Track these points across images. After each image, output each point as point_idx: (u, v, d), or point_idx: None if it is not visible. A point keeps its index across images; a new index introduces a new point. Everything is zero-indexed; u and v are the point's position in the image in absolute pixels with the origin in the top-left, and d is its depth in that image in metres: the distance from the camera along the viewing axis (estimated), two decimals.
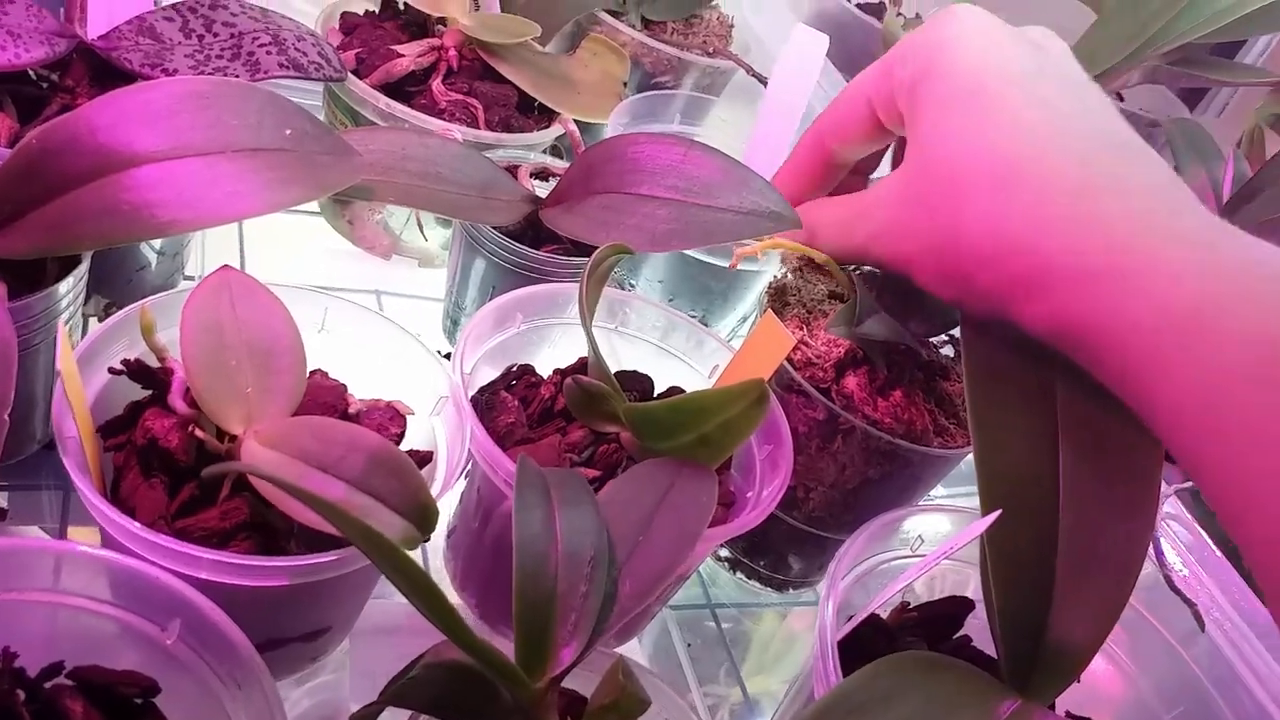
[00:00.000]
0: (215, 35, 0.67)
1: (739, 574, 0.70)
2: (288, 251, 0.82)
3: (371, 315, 0.56)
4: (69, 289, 0.54)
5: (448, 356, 0.58)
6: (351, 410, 0.52)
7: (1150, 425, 0.39)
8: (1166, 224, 0.40)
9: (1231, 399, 0.35)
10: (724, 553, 0.70)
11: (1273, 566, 0.34)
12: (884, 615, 0.55)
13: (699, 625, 0.67)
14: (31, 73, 0.65)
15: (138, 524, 0.42)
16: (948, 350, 0.69)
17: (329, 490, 0.44)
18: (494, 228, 0.66)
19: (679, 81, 0.95)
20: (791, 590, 0.70)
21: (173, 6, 0.67)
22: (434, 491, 0.48)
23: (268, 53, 0.66)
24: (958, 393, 0.63)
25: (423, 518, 0.45)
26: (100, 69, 0.64)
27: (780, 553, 0.67)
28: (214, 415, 0.46)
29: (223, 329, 0.48)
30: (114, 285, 0.66)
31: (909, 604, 0.55)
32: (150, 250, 0.68)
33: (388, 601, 0.60)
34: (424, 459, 0.52)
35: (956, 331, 0.66)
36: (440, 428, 0.53)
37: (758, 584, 0.70)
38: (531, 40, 0.81)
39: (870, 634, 0.52)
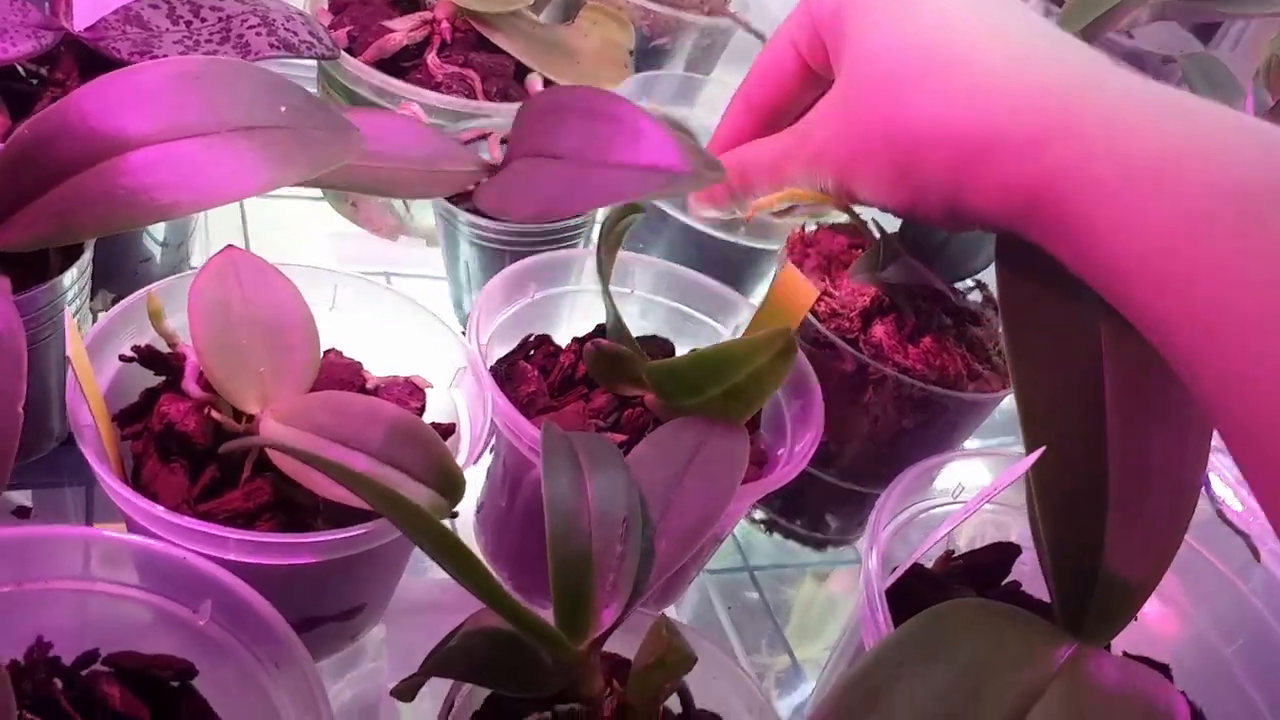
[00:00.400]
0: (203, 20, 0.66)
1: (776, 535, 0.68)
2: (292, 237, 0.81)
3: (382, 291, 0.55)
4: (73, 280, 0.53)
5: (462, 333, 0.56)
6: (369, 386, 0.50)
7: (1107, 289, 0.37)
8: (1117, 84, 0.38)
9: (1201, 247, 0.33)
10: (759, 514, 0.68)
11: (1248, 412, 0.32)
12: (929, 566, 0.53)
13: (738, 590, 0.66)
14: (20, 69, 0.64)
15: (161, 508, 0.40)
16: (975, 297, 0.67)
17: (351, 464, 0.42)
18: (465, 209, 0.64)
19: (677, 43, 0.93)
20: (831, 549, 0.69)
21: None
22: (460, 463, 0.47)
23: (257, 34, 0.65)
24: (989, 338, 0.62)
25: (449, 486, 0.44)
26: (89, 61, 0.63)
27: (817, 511, 0.66)
28: (229, 395, 0.44)
29: (231, 309, 0.46)
30: (119, 279, 0.64)
31: (954, 553, 0.54)
32: (153, 242, 0.67)
33: (421, 578, 0.59)
34: (446, 431, 0.51)
35: (983, 276, 0.65)
36: (460, 399, 0.52)
37: (796, 544, 0.68)
38: (526, 10, 0.79)
39: (916, 584, 0.50)
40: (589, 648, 0.39)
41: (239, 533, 0.40)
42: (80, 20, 0.64)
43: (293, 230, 0.81)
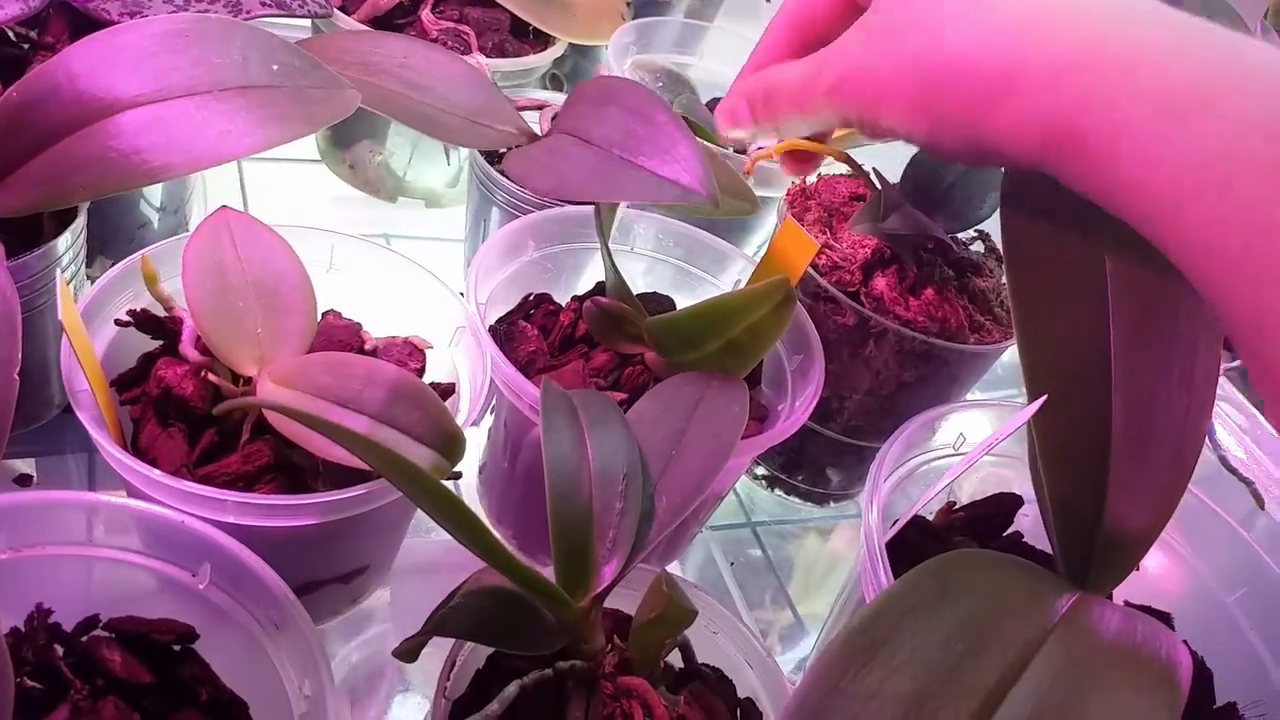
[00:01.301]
0: None
1: (777, 491, 0.68)
2: (291, 200, 0.80)
3: (380, 250, 0.54)
4: (68, 245, 0.53)
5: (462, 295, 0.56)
6: (367, 347, 0.50)
7: (1135, 219, 0.37)
8: (1149, 15, 0.37)
9: (1231, 171, 0.32)
10: (761, 470, 0.68)
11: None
12: (930, 518, 0.53)
13: (741, 546, 0.66)
14: (10, 33, 0.63)
15: (159, 472, 0.40)
16: (978, 247, 0.66)
17: (351, 425, 0.42)
18: (501, 171, 0.64)
19: None
20: (833, 504, 0.69)
21: None
22: (459, 422, 0.47)
23: None
24: (991, 289, 0.61)
25: (449, 446, 0.43)
26: (80, 23, 0.62)
27: (818, 466, 0.66)
28: (225, 358, 0.44)
29: (226, 271, 0.46)
30: (116, 245, 0.64)
31: (955, 504, 0.54)
32: (150, 208, 0.67)
33: (425, 540, 0.59)
34: (446, 391, 0.51)
35: (987, 227, 0.64)
36: (460, 359, 0.52)
37: (797, 499, 0.68)
38: None
39: (917, 537, 0.50)
40: (590, 604, 0.40)
41: (237, 495, 0.40)
42: None
43: (291, 193, 0.81)
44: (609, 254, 0.54)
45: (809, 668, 0.37)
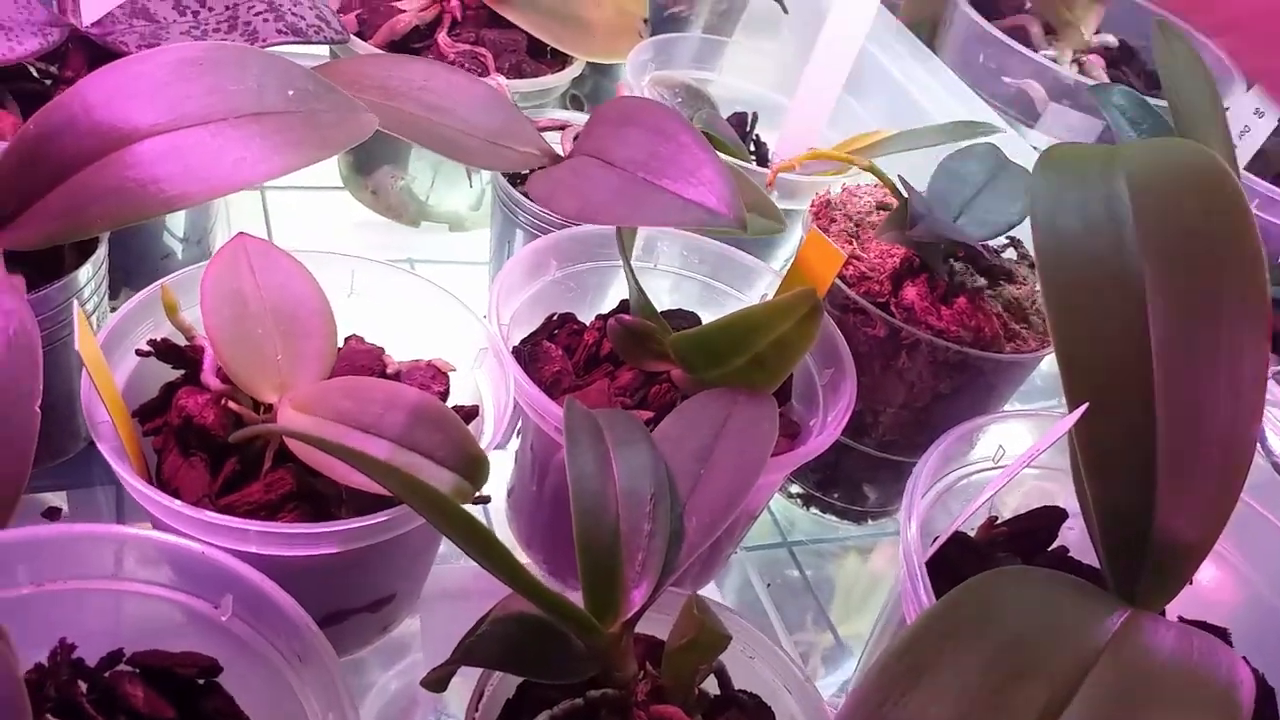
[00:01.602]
0: (210, 9, 0.65)
1: (813, 509, 0.67)
2: (314, 227, 0.80)
3: (401, 273, 0.54)
4: (89, 276, 0.53)
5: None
6: (390, 371, 0.49)
7: None
8: None
9: None
10: (796, 488, 0.67)
11: None
12: (971, 534, 0.52)
13: (778, 567, 0.65)
14: (32, 69, 0.64)
15: (179, 502, 0.40)
16: (1010, 254, 0.65)
17: (372, 450, 0.41)
18: (525, 193, 0.63)
19: (694, 9, 0.91)
20: (871, 521, 0.67)
21: None
22: (484, 445, 0.46)
23: (264, 20, 0.64)
24: (1026, 296, 0.60)
25: (472, 470, 0.42)
26: (99, 57, 0.62)
27: (854, 482, 0.64)
28: (245, 386, 0.44)
29: (245, 298, 0.46)
30: (140, 277, 0.64)
31: (997, 519, 0.52)
32: (174, 239, 0.67)
33: (454, 566, 0.58)
34: (470, 414, 0.50)
35: (1016, 233, 0.62)
36: (484, 380, 0.51)
37: (834, 517, 0.67)
38: None
39: (959, 554, 0.49)
40: (620, 630, 0.38)
41: (258, 524, 0.39)
42: (87, 16, 0.64)
43: (314, 220, 0.81)
44: (632, 272, 0.53)
45: (849, 693, 0.35)
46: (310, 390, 0.44)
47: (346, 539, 0.41)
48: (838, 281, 0.57)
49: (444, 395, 0.51)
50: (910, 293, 0.55)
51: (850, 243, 0.59)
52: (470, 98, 0.63)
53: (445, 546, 0.59)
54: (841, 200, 0.62)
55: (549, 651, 0.38)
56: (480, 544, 0.35)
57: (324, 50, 0.75)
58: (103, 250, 0.54)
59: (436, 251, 0.79)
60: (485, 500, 0.60)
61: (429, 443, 0.42)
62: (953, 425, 0.56)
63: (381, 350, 0.52)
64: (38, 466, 0.56)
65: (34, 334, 0.45)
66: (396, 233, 0.80)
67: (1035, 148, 0.97)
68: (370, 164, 0.78)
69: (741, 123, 0.84)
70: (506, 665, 0.39)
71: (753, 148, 0.85)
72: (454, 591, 0.57)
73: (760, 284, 0.62)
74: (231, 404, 0.44)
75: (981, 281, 0.59)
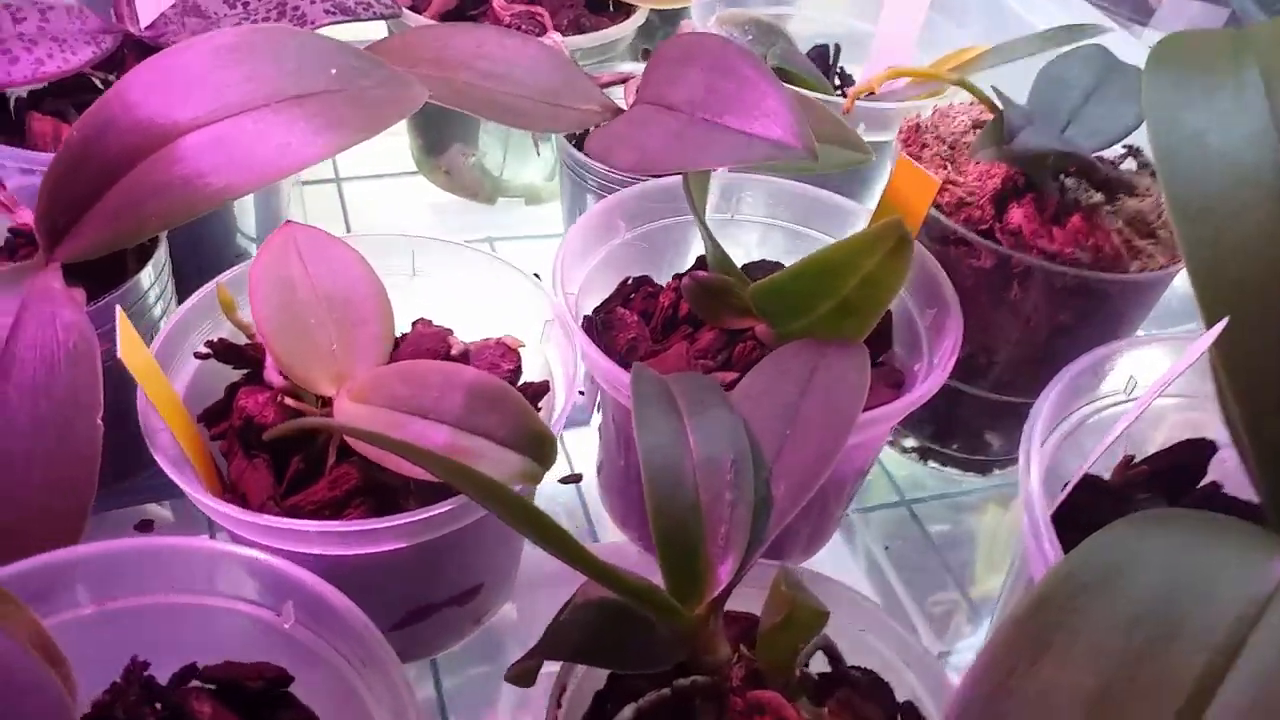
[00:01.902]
0: None
1: (931, 463, 0.62)
2: (390, 214, 0.78)
3: (462, 250, 0.51)
4: (151, 279, 0.52)
5: None
6: (455, 353, 0.47)
7: None
8: None
9: None
10: (910, 442, 0.62)
11: None
12: (1106, 477, 0.46)
13: (897, 527, 0.60)
14: (95, 80, 0.63)
15: (237, 509, 0.38)
16: (1129, 165, 0.58)
17: (431, 436, 0.39)
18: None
19: None
20: (997, 471, 0.62)
21: None
22: (552, 421, 0.43)
23: (312, 2, 0.62)
24: (1150, 208, 0.53)
25: (539, 448, 0.39)
26: None
27: (973, 431, 0.59)
28: (301, 380, 0.42)
29: (295, 287, 0.44)
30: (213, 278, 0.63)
31: (1134, 458, 0.46)
32: (245, 239, 0.66)
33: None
34: (540, 390, 0.47)
35: (1134, 139, 0.56)
36: (552, 354, 0.48)
37: (955, 470, 0.62)
38: None
39: (1091, 500, 0.43)
40: (706, 611, 0.35)
41: (316, 524, 0.38)
42: (144, 18, 0.64)
43: (391, 208, 0.79)
44: (704, 224, 0.49)
45: (972, 663, 0.31)
46: (367, 379, 0.42)
47: (410, 532, 0.38)
48: (934, 211, 0.52)
49: (515, 373, 0.48)
50: (1016, 214, 0.50)
51: (944, 167, 0.53)
52: (526, 60, 0.60)
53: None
54: (933, 123, 0.56)
55: (630, 639, 0.35)
56: (541, 529, 0.32)
57: (380, 28, 0.73)
58: (162, 252, 0.53)
59: (515, 227, 0.77)
60: (576, 479, 0.57)
61: (489, 423, 0.39)
62: (1077, 356, 0.51)
63: (448, 332, 0.49)
64: (129, 480, 0.57)
65: (93, 346, 0.45)
66: (473, 212, 0.78)
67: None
68: (440, 144, 0.76)
69: (823, 56, 0.78)
70: (586, 657, 0.36)
71: (838, 82, 0.79)
72: (552, 576, 0.55)
73: (854, 225, 0.57)
74: (289, 400, 0.42)
75: (1098, 197, 0.53)
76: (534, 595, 0.54)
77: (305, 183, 0.79)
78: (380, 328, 0.44)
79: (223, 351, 0.45)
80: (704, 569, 0.35)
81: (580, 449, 0.61)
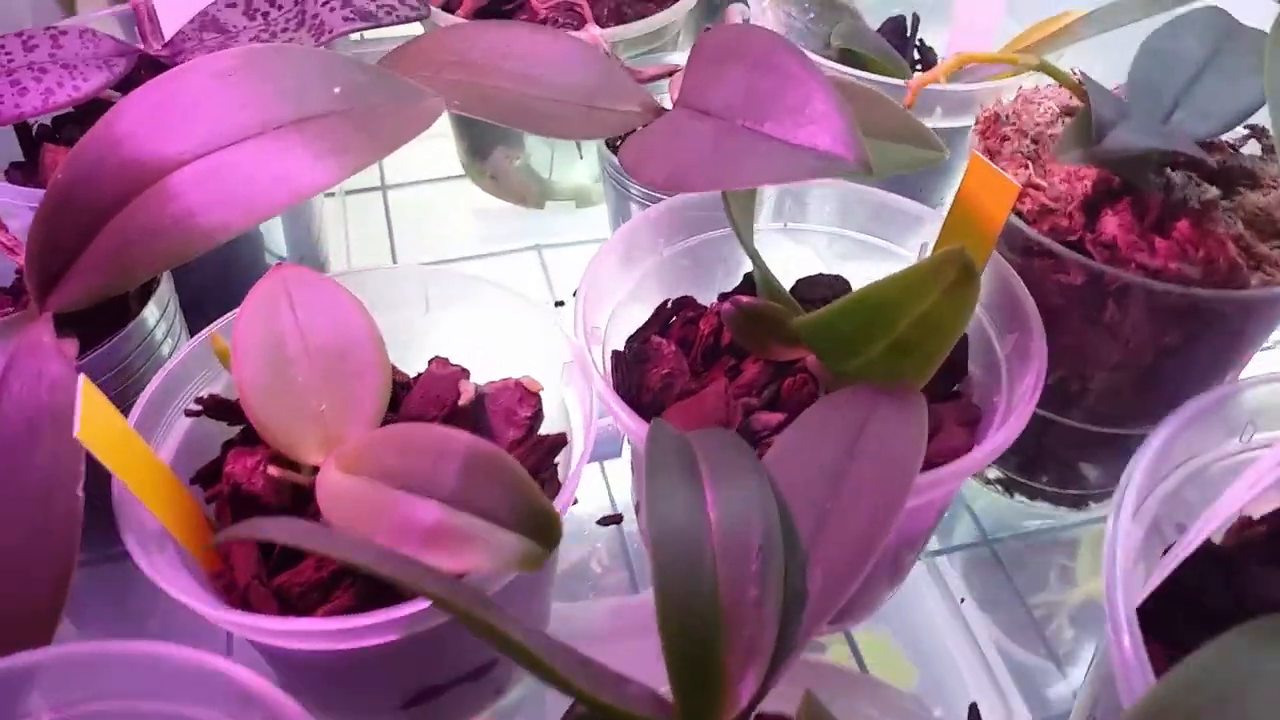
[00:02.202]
0: (280, 8, 0.60)
1: (1018, 496, 0.55)
2: (438, 221, 0.75)
3: (476, 283, 0.47)
4: (156, 317, 0.49)
5: None
6: (462, 403, 0.42)
7: None
8: None
9: None
10: (994, 473, 0.55)
11: None
12: (1218, 540, 0.39)
13: (977, 570, 0.53)
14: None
15: (208, 605, 0.35)
16: (1251, 149, 0.50)
17: (420, 515, 0.35)
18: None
19: None
20: (1093, 505, 0.55)
21: None
22: (570, 469, 0.38)
23: (331, 10, 0.58)
24: (1277, 205, 0.45)
25: (541, 528, 0.35)
26: None
27: (1065, 463, 0.52)
28: (285, 449, 0.38)
29: (284, 342, 0.40)
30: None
31: (1252, 518, 0.39)
32: (273, 256, 0.63)
33: (583, 605, 0.52)
34: (557, 443, 0.42)
35: (1258, 119, 0.47)
36: (572, 398, 0.43)
37: (1046, 504, 0.55)
38: None
39: (1197, 569, 0.36)
40: None
41: (290, 622, 0.34)
42: (170, 32, 0.61)
43: (438, 214, 0.75)
44: (749, 246, 0.44)
45: None
46: (357, 445, 0.37)
47: (400, 626, 0.34)
48: (1014, 219, 0.45)
49: (534, 419, 0.43)
50: (1110, 223, 0.42)
51: (1026, 166, 0.46)
52: (559, 58, 0.55)
53: (569, 580, 0.53)
54: (1015, 111, 0.49)
55: None
56: (515, 650, 0.27)
57: (413, 29, 0.69)
58: (165, 287, 0.50)
59: (564, 232, 0.72)
60: (616, 520, 0.52)
61: (485, 499, 0.35)
62: (1189, 384, 0.44)
63: (462, 374, 0.45)
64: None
65: (65, 408, 0.42)
66: (522, 217, 0.74)
67: None
68: (484, 148, 0.72)
69: (899, 30, 0.71)
70: None
71: (917, 55, 0.72)
72: (583, 633, 0.50)
73: (925, 233, 0.50)
74: (273, 470, 0.38)
75: (1212, 192, 0.45)
76: None
77: (349, 192, 0.76)
78: (376, 382, 0.40)
79: (214, 408, 0.42)
80: (721, 687, 0.30)
81: (622, 481, 0.56)
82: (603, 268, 0.46)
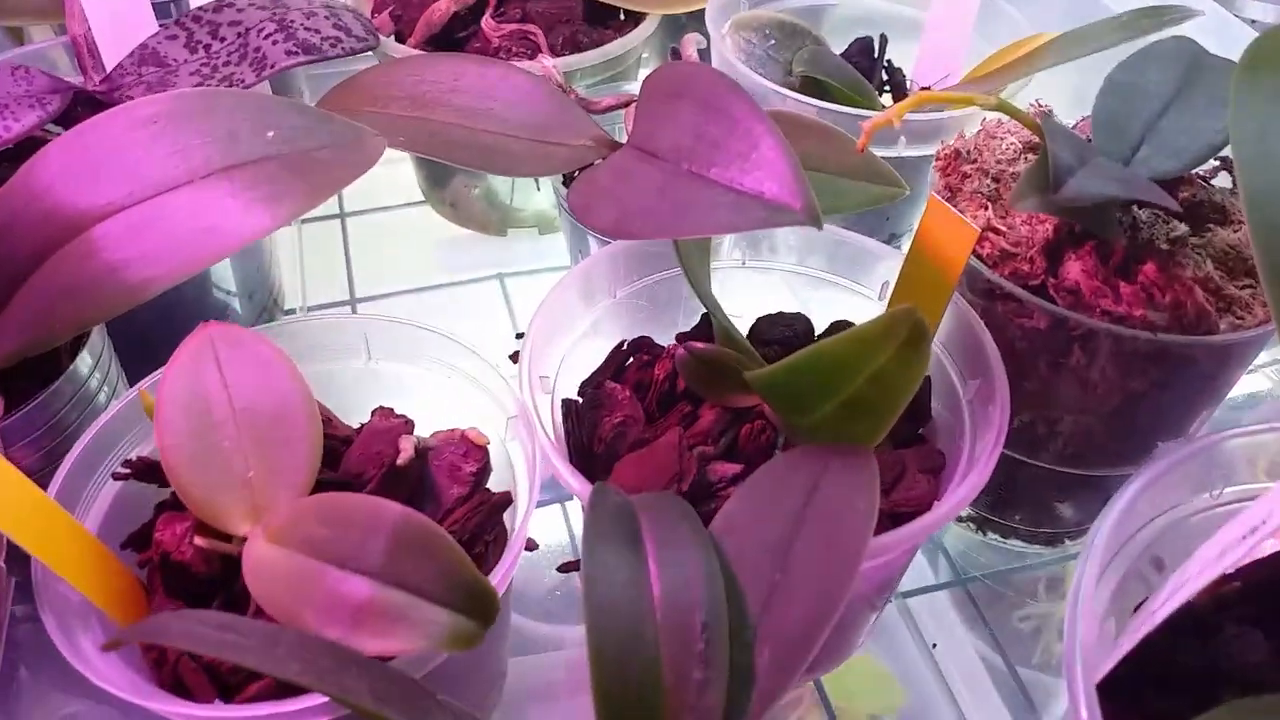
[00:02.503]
0: (222, 40, 0.58)
1: (991, 534, 0.53)
2: (398, 250, 0.73)
3: (417, 331, 0.45)
4: (90, 366, 0.47)
5: None
6: (401, 463, 0.40)
7: None
8: None
9: None
10: (964, 512, 0.54)
11: None
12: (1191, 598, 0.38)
13: (948, 615, 0.52)
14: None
15: (135, 688, 0.33)
16: (1222, 181, 0.48)
17: (349, 592, 0.33)
18: None
19: None
20: (1069, 542, 0.53)
21: (176, 22, 0.59)
22: (514, 528, 0.37)
23: (274, 43, 0.56)
24: (1247, 241, 0.44)
25: (476, 603, 0.33)
26: None
27: (1038, 503, 0.51)
28: (210, 518, 0.36)
29: (210, 405, 0.38)
30: None
31: (1226, 573, 0.37)
32: (222, 292, 0.61)
33: (537, 658, 0.50)
34: (502, 503, 0.40)
35: (1229, 151, 0.46)
36: (517, 453, 0.41)
37: (1019, 542, 0.53)
38: None
39: (1170, 630, 0.35)
40: None
41: (216, 710, 0.32)
42: (113, 63, 0.59)
43: (397, 243, 0.73)
44: (702, 291, 0.42)
45: None
46: (286, 514, 0.35)
47: (331, 708, 0.32)
48: (975, 261, 0.44)
49: (479, 474, 0.42)
50: (1073, 269, 0.41)
51: (986, 207, 0.44)
52: (509, 92, 0.53)
53: (523, 640, 0.51)
54: (977, 147, 0.48)
55: None
56: None
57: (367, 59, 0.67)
58: (99, 337, 0.48)
59: (527, 259, 0.70)
60: (575, 567, 0.51)
61: (418, 575, 0.33)
62: (1159, 424, 0.42)
63: (404, 428, 0.43)
64: None
65: None
66: (483, 244, 0.72)
67: (1254, 22, 0.77)
68: (443, 176, 0.70)
69: (867, 50, 0.69)
70: None
71: (885, 76, 0.70)
72: (541, 690, 0.49)
73: (884, 272, 0.49)
74: (199, 540, 0.37)
75: (1180, 229, 0.43)
76: (521, 713, 0.48)
77: (306, 220, 0.74)
78: (307, 446, 0.38)
79: (142, 471, 0.40)
80: None
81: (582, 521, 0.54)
82: (552, 313, 0.45)
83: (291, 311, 0.65)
